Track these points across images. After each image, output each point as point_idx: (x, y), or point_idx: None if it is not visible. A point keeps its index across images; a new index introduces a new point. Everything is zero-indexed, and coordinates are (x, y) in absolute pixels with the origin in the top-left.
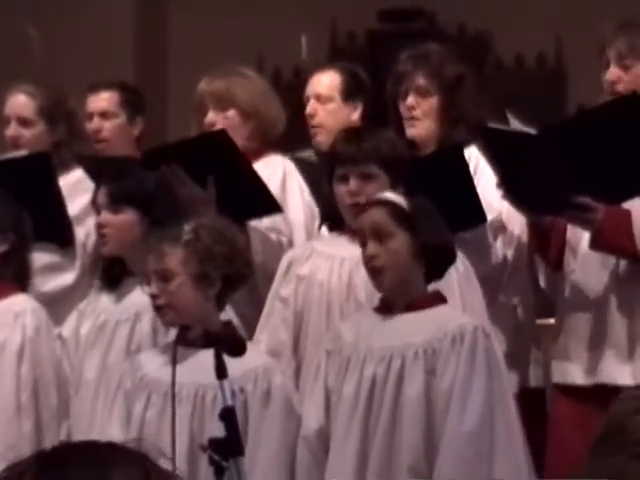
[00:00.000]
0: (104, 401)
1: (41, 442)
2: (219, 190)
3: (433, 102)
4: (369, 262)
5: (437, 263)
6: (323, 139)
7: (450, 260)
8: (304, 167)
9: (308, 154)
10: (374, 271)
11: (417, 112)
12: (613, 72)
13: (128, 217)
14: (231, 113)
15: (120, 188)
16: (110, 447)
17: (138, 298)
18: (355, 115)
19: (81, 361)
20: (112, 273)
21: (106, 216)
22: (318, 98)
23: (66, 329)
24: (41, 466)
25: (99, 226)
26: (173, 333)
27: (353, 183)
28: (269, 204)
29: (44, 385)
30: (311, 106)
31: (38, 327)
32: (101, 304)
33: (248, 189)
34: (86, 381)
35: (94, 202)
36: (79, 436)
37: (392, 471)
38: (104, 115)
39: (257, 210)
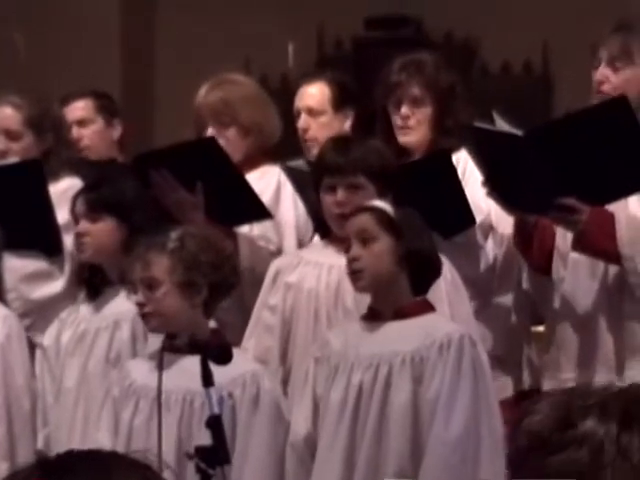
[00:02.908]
0: (85, 409)
1: (14, 448)
2: (208, 196)
3: (427, 111)
4: (351, 263)
5: (421, 273)
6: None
7: (435, 272)
8: (296, 176)
9: (299, 163)
10: (354, 273)
11: (411, 121)
12: (602, 72)
13: (106, 225)
14: (231, 131)
15: (98, 196)
16: (112, 456)
17: (117, 306)
18: (347, 124)
19: (61, 370)
20: (93, 282)
21: (84, 225)
22: (309, 112)
23: (47, 338)
24: (44, 474)
25: (78, 235)
26: (153, 341)
27: (341, 194)
28: (258, 210)
29: (15, 391)
30: (303, 120)
31: (9, 334)
32: (81, 313)
33: (237, 195)
34: (66, 389)
35: (72, 211)
36: (58, 444)
37: (378, 478)
38: (81, 123)
39: (246, 216)
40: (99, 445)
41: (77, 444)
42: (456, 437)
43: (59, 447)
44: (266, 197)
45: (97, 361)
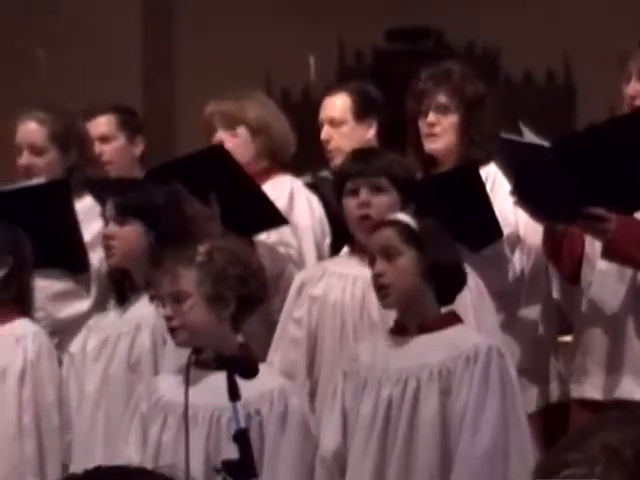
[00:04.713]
0: (104, 415)
1: (43, 464)
2: (222, 206)
3: (453, 119)
4: (376, 279)
5: (447, 285)
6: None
7: (460, 283)
8: (327, 186)
9: (325, 174)
10: (381, 288)
11: (437, 129)
12: (635, 87)
13: (134, 230)
14: (240, 130)
15: (127, 200)
16: (139, 472)
17: (139, 311)
18: (370, 133)
19: (85, 375)
20: (122, 289)
21: (112, 228)
22: (331, 122)
23: (74, 345)
24: None
25: (105, 237)
26: (180, 354)
27: (364, 194)
28: (273, 217)
29: (45, 407)
30: (325, 131)
31: (39, 351)
32: (108, 319)
33: (251, 203)
34: (87, 395)
35: (103, 215)
36: (78, 451)
37: None
38: (104, 139)
39: (262, 224)
40: (128, 461)
41: (96, 451)
42: (484, 450)
43: (79, 454)
44: (280, 204)
45: (118, 366)
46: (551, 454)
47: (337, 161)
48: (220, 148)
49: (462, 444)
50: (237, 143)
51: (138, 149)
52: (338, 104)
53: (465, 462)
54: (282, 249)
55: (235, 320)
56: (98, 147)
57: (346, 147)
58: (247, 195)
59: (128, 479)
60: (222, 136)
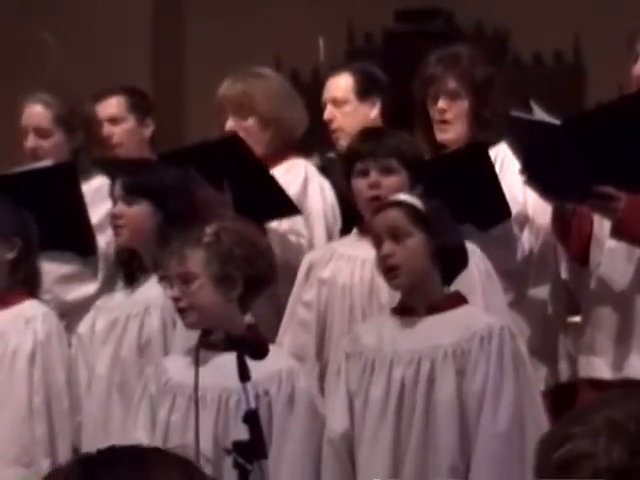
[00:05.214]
0: (117, 397)
1: (54, 446)
2: (235, 193)
3: (464, 105)
4: (385, 261)
5: (451, 266)
6: (344, 143)
7: (463, 264)
8: (334, 167)
9: (332, 155)
10: (389, 270)
11: (449, 115)
12: None
13: (142, 209)
14: (250, 122)
15: (135, 180)
16: (153, 451)
17: (147, 292)
18: (374, 112)
19: (94, 357)
20: (130, 269)
21: (120, 207)
22: (334, 102)
23: (82, 326)
24: (85, 469)
25: (114, 217)
26: (188, 336)
27: (374, 175)
28: (286, 206)
29: (56, 389)
30: (328, 111)
31: (49, 332)
32: (116, 300)
33: (264, 191)
34: (98, 376)
35: (111, 194)
36: (89, 432)
37: (428, 473)
38: (113, 121)
39: (274, 212)
40: (136, 442)
41: (109, 433)
42: (505, 430)
43: (89, 436)
44: (293, 190)
45: (129, 348)
46: (555, 428)
47: (342, 142)
48: (236, 137)
49: (483, 425)
50: (247, 131)
51: (148, 131)
52: (341, 84)
53: (487, 442)
54: (293, 238)
55: (243, 301)
56: (108, 128)
57: (349, 127)
58: (260, 183)
59: (142, 458)
60: (233, 125)
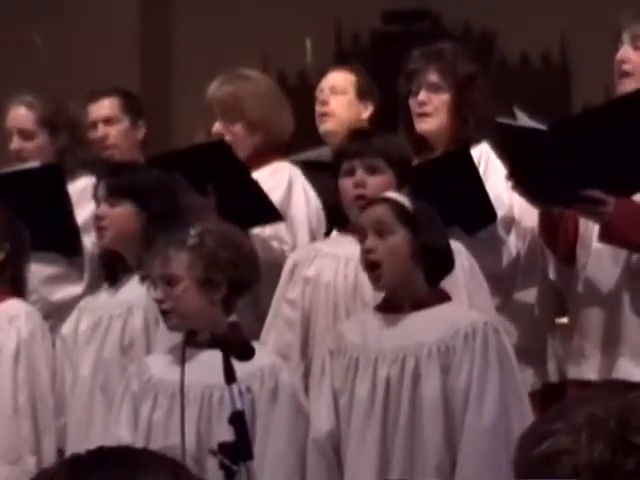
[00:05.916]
0: (100, 398)
1: (40, 443)
2: (219, 198)
3: (444, 98)
4: (366, 255)
5: (436, 269)
6: (331, 127)
7: (448, 267)
8: (314, 170)
9: (319, 153)
10: (370, 265)
11: (428, 107)
12: (623, 52)
13: (125, 210)
14: (238, 127)
15: (118, 181)
16: (142, 452)
17: (130, 292)
18: (365, 115)
19: (78, 358)
20: (114, 270)
21: (104, 209)
22: (333, 89)
23: (65, 327)
24: (74, 471)
25: (97, 218)
26: (171, 337)
27: (359, 174)
28: (269, 212)
29: (40, 387)
30: (325, 94)
31: (33, 330)
32: (99, 301)
33: (248, 197)
34: (81, 377)
35: (95, 195)
36: (73, 434)
37: (415, 471)
38: (108, 121)
39: (258, 218)
40: (119, 441)
41: (92, 434)
42: (490, 426)
43: (73, 437)
44: (277, 194)
45: (112, 348)
46: (537, 424)
47: (328, 125)
48: (223, 143)
49: (468, 421)
50: (235, 135)
51: (140, 133)
52: (343, 76)
53: (473, 438)
54: (275, 243)
55: (226, 303)
56: (102, 129)
57: (340, 114)
58: (245, 189)
59: (130, 459)
60: (220, 129)
